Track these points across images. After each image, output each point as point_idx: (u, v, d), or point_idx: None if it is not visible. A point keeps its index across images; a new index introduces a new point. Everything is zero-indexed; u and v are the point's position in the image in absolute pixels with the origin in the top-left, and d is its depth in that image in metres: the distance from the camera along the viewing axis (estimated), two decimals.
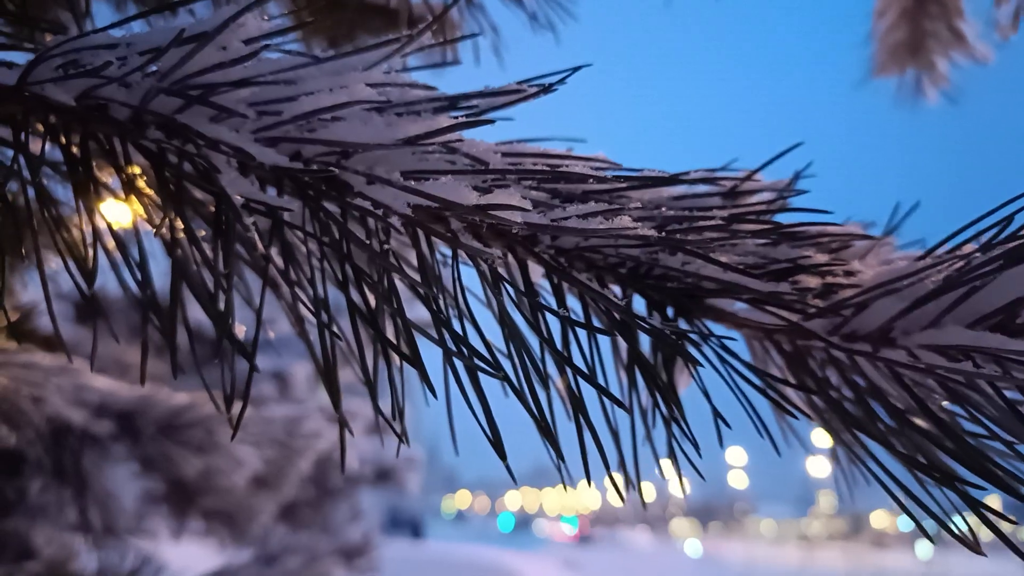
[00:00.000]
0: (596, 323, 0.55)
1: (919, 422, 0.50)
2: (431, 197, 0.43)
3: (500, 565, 11.62)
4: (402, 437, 0.51)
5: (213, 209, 0.54)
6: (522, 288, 0.56)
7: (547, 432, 0.49)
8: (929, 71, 1.70)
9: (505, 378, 0.49)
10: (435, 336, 0.47)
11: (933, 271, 0.48)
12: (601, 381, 0.57)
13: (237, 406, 0.59)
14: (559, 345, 0.56)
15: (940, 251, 0.51)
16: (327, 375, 0.49)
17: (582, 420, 0.48)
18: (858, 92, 1.73)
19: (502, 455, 0.48)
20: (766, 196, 0.55)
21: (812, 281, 0.49)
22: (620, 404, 0.49)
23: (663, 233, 0.45)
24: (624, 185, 0.48)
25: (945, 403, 0.51)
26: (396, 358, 0.57)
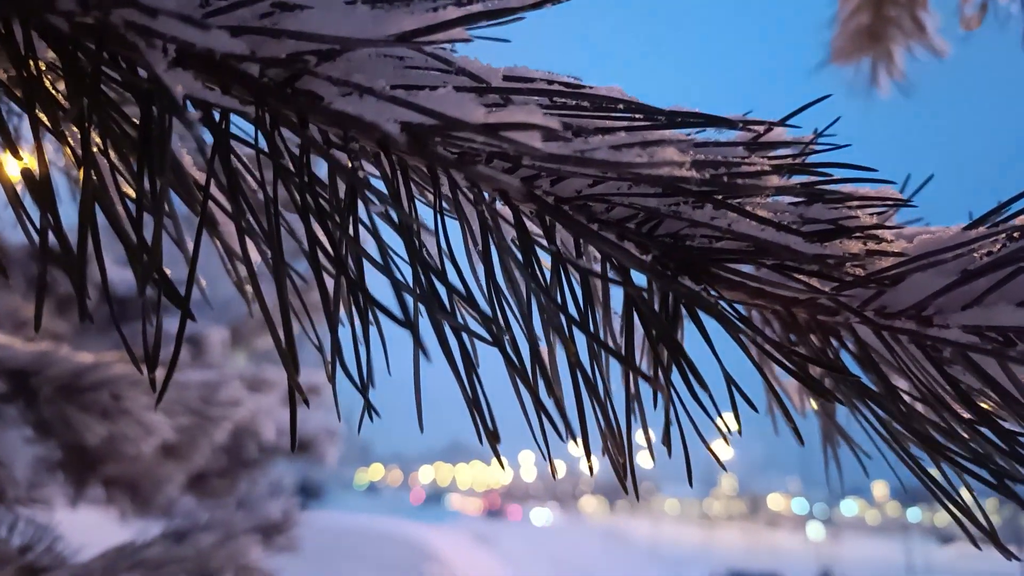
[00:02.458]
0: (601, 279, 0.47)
1: (956, 411, 0.44)
2: (428, 112, 0.35)
3: (408, 537, 11.59)
4: (372, 410, 0.43)
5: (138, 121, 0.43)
6: (515, 240, 0.47)
7: (540, 405, 0.42)
8: (886, 61, 1.69)
9: (497, 339, 0.41)
10: (412, 281, 0.39)
11: (986, 243, 0.43)
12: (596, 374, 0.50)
13: (159, 373, 0.49)
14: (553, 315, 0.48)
15: (984, 225, 0.46)
16: (284, 322, 0.40)
17: (580, 378, 0.41)
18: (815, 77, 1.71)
19: (489, 429, 0.40)
20: (790, 151, 0.49)
21: (854, 246, 0.42)
22: (616, 355, 0.42)
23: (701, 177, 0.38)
24: (658, 121, 0.40)
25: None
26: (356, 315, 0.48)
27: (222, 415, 1.68)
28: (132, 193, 0.46)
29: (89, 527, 1.97)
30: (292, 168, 0.41)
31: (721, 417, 0.48)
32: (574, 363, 0.41)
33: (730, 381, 0.45)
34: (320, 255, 0.42)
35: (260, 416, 2.78)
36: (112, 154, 0.46)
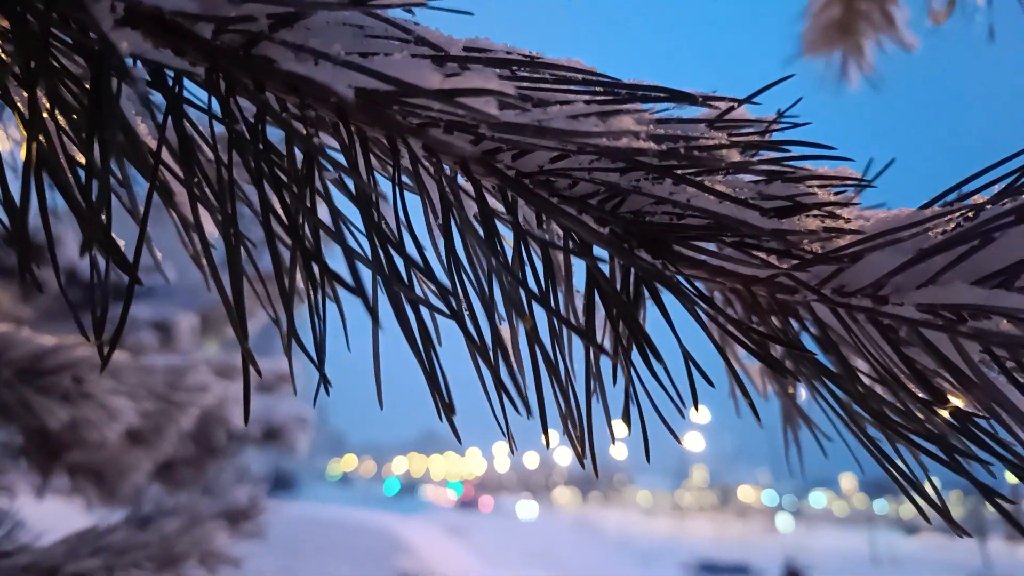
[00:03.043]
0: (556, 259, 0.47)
1: (911, 389, 0.45)
2: (383, 77, 0.34)
3: (380, 528, 11.57)
4: (326, 383, 0.42)
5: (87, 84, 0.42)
6: (477, 215, 0.47)
7: (500, 384, 0.41)
8: (856, 54, 1.71)
9: (456, 314, 0.41)
10: (369, 252, 0.38)
11: (943, 221, 0.43)
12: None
13: (114, 352, 0.47)
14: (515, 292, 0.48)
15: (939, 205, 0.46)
16: (235, 297, 0.39)
17: (539, 354, 0.40)
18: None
19: (445, 402, 0.39)
20: (751, 129, 0.49)
21: (812, 224, 0.42)
22: (575, 328, 0.41)
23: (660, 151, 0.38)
24: (619, 94, 0.40)
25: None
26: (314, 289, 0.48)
27: (188, 401, 1.66)
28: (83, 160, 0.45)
29: (53, 516, 1.94)
30: (247, 135, 0.40)
31: (686, 399, 0.48)
32: (532, 337, 0.41)
33: (688, 357, 0.45)
34: (275, 226, 0.41)
35: (229, 403, 2.75)
36: (61, 119, 0.45)
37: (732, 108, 0.49)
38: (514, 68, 0.39)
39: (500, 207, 0.49)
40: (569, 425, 0.46)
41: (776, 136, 0.48)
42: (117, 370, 1.43)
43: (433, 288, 0.41)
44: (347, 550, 10.36)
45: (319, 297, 0.43)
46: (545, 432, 0.44)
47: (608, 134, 0.34)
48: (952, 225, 0.43)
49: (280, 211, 0.41)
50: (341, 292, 0.54)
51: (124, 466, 2.14)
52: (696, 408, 0.44)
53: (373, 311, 0.33)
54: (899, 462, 0.48)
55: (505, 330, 0.52)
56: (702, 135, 0.40)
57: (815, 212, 0.42)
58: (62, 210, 0.46)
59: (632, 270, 0.48)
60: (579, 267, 0.55)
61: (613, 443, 0.56)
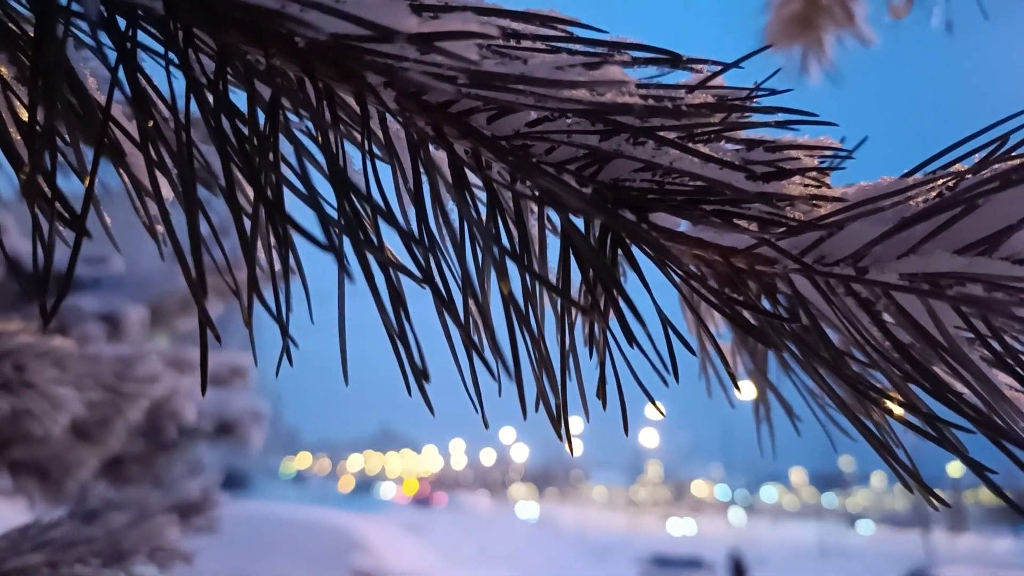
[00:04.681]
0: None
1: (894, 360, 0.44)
2: (358, 20, 0.32)
3: (335, 526, 11.44)
4: (289, 354, 0.40)
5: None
6: (448, 178, 0.45)
7: (473, 345, 0.39)
8: (816, 49, 1.72)
9: (427, 278, 0.39)
10: (333, 213, 0.36)
11: (924, 190, 0.42)
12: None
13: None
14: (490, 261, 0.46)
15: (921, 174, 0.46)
16: (194, 257, 0.36)
17: (514, 314, 0.39)
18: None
19: (417, 368, 0.37)
20: (734, 96, 0.48)
21: (795, 189, 0.42)
22: (551, 286, 0.40)
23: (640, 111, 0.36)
24: (600, 52, 0.38)
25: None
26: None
27: (138, 391, 1.60)
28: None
29: None
30: (206, 85, 0.37)
31: (660, 357, 0.47)
32: (507, 297, 0.39)
33: (665, 322, 0.43)
34: (236, 185, 0.39)
35: (180, 396, 2.68)
36: (4, 71, 0.42)
37: (717, 73, 0.47)
38: (494, 17, 0.37)
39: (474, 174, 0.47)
40: (547, 390, 0.45)
41: (756, 105, 0.47)
42: (61, 359, 1.37)
43: (402, 243, 0.39)
44: (302, 549, 10.22)
45: (282, 255, 0.41)
46: (522, 400, 0.42)
47: (596, 84, 0.32)
48: (934, 194, 0.43)
49: (240, 171, 0.39)
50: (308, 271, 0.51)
51: (69, 462, 2.06)
52: (676, 377, 0.42)
53: (348, 271, 0.31)
54: (877, 433, 0.47)
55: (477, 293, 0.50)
56: (686, 95, 0.39)
57: (798, 178, 0.41)
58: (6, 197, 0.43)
59: (608, 236, 0.46)
60: (552, 248, 0.53)
61: (587, 421, 0.54)
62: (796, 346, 0.45)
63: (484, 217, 0.46)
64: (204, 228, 0.44)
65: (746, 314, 0.45)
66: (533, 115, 0.46)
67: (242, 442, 3.15)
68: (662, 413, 0.45)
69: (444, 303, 0.39)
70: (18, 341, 1.30)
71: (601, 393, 0.48)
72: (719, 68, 0.45)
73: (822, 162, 0.46)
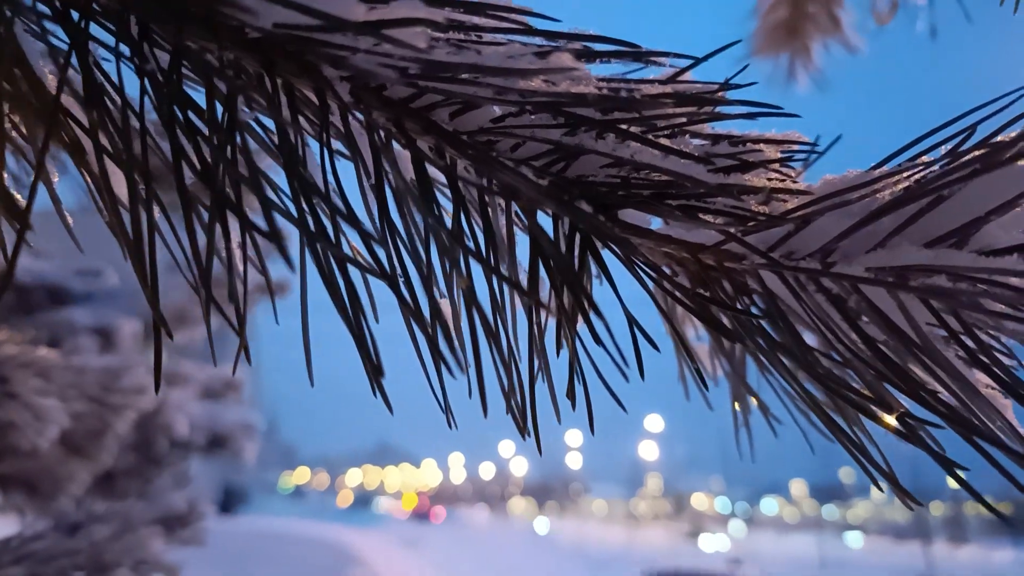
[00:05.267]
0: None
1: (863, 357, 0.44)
2: (307, 10, 0.31)
3: (332, 541, 11.38)
4: (246, 351, 0.39)
5: None
6: (410, 176, 0.44)
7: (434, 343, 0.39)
8: (803, 56, 1.73)
9: (384, 274, 0.38)
10: (291, 203, 0.35)
11: (891, 182, 0.42)
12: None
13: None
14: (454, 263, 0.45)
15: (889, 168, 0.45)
16: (146, 256, 0.36)
17: (476, 315, 0.38)
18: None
19: (378, 371, 0.36)
20: (698, 90, 0.47)
21: (759, 182, 0.41)
22: (518, 287, 0.39)
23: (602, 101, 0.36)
24: (558, 44, 0.37)
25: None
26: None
27: (124, 403, 1.59)
28: None
29: None
30: (161, 78, 0.37)
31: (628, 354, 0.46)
32: (469, 297, 0.39)
33: (631, 322, 0.43)
34: (190, 180, 0.38)
35: (172, 410, 2.66)
36: None
37: (686, 69, 0.47)
38: (445, 8, 0.37)
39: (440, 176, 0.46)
40: (512, 398, 0.44)
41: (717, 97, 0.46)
42: (46, 370, 1.36)
43: (362, 243, 0.39)
44: (298, 564, 10.15)
45: (244, 254, 0.40)
46: (483, 398, 0.42)
47: (546, 71, 0.32)
48: (901, 187, 0.42)
49: (191, 167, 0.38)
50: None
51: (60, 477, 2.04)
52: (642, 375, 0.42)
53: (289, 260, 0.30)
54: (849, 432, 0.46)
55: (445, 304, 0.49)
56: (645, 85, 0.38)
57: (762, 170, 0.41)
58: None
59: (577, 237, 0.46)
60: (524, 245, 0.53)
61: (559, 422, 0.53)
62: (764, 342, 0.45)
63: (451, 214, 0.45)
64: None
65: (716, 312, 0.45)
66: (497, 111, 0.46)
67: (235, 455, 3.12)
68: (624, 409, 0.45)
69: (403, 300, 0.38)
70: (1, 352, 1.29)
71: (570, 394, 0.47)
72: (689, 64, 0.45)
73: (790, 157, 0.45)
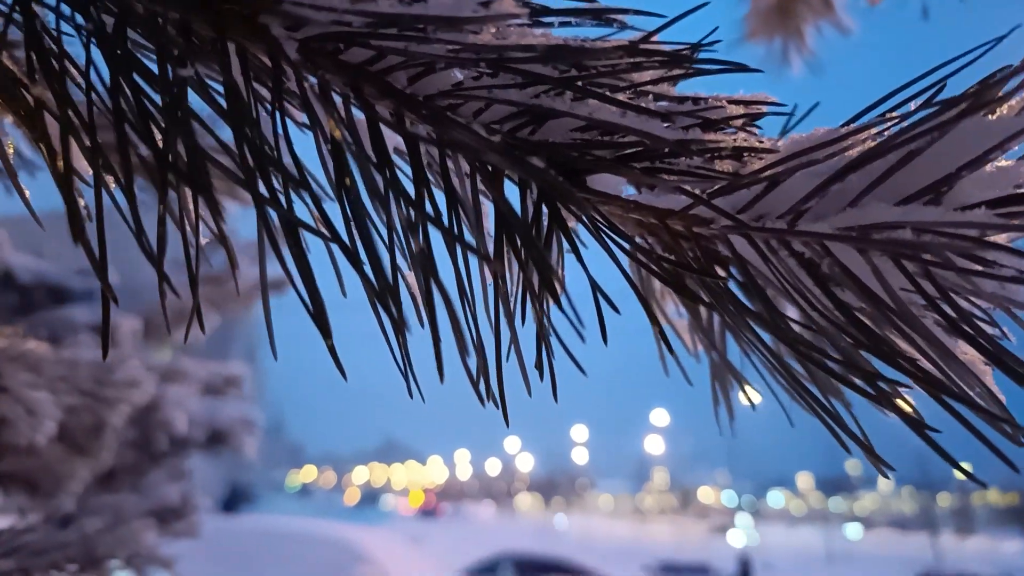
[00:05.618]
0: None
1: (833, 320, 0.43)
2: None
3: (340, 539, 11.41)
4: (199, 317, 0.38)
5: None
6: (370, 146, 0.44)
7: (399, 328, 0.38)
8: (796, 39, 1.71)
9: (336, 238, 0.37)
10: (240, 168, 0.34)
11: (860, 139, 0.41)
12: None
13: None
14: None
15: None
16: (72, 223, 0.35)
17: (433, 285, 0.37)
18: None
19: (326, 332, 0.36)
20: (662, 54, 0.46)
21: (722, 140, 0.40)
22: (479, 253, 0.38)
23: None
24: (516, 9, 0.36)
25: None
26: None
27: (118, 396, 1.58)
28: None
29: None
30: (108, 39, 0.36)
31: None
32: (426, 264, 0.38)
33: (595, 287, 0.42)
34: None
35: (171, 406, 2.66)
36: None
37: (657, 31, 0.46)
38: None
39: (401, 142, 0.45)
40: (466, 357, 0.43)
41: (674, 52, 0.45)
42: (36, 363, 1.36)
43: (313, 206, 0.38)
44: (306, 562, 10.18)
45: (195, 226, 0.39)
46: (439, 361, 0.41)
47: (489, 18, 0.31)
48: (870, 143, 0.41)
49: (135, 129, 0.37)
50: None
51: (61, 475, 2.04)
52: (604, 339, 0.41)
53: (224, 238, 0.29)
54: (824, 401, 0.45)
55: (411, 276, 0.48)
56: (603, 43, 0.38)
57: (728, 131, 0.40)
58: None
59: (543, 207, 0.45)
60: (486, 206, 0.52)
61: (529, 395, 0.52)
62: (734, 308, 0.44)
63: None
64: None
65: (682, 277, 0.44)
66: (459, 76, 0.45)
67: (234, 451, 3.12)
68: (583, 372, 0.44)
69: (356, 264, 0.37)
70: None
71: (539, 365, 0.47)
72: (660, 25, 0.44)
73: (758, 116, 0.44)
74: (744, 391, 0.61)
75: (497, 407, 0.44)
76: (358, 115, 0.46)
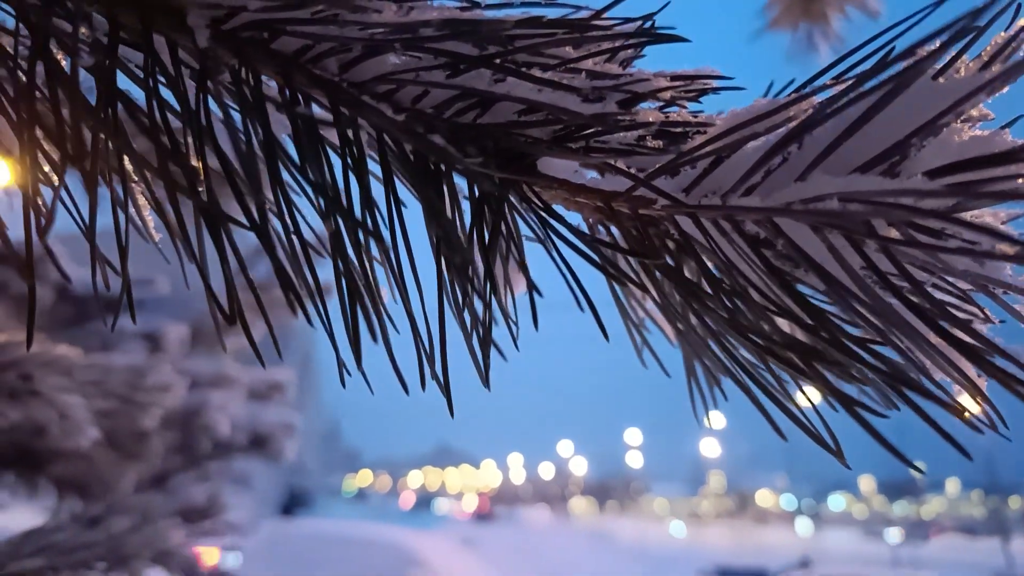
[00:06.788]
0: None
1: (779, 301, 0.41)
2: None
3: (394, 543, 11.52)
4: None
5: None
6: (305, 135, 0.43)
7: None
8: (822, 25, 1.66)
9: (256, 229, 0.37)
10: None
11: (802, 108, 0.39)
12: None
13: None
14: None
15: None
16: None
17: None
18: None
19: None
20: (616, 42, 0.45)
21: (650, 115, 0.38)
22: (371, 234, 0.37)
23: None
24: None
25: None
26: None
27: (150, 400, 1.62)
28: None
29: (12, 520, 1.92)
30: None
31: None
32: (335, 245, 0.37)
33: (523, 268, 0.41)
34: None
35: (214, 411, 2.72)
36: None
37: (609, 7, 0.44)
38: None
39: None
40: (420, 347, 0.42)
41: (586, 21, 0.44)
42: (68, 367, 1.40)
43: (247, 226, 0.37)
44: (360, 566, 10.30)
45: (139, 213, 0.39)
46: (357, 351, 0.40)
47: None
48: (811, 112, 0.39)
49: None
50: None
51: (110, 479, 2.10)
52: (535, 326, 0.40)
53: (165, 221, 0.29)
54: (777, 387, 0.43)
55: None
56: (517, 20, 0.36)
57: (654, 104, 0.38)
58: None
59: (474, 191, 0.44)
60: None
61: (505, 359, 0.51)
62: (679, 290, 0.42)
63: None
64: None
65: (613, 257, 0.42)
66: (395, 61, 0.44)
67: (276, 454, 3.17)
68: (515, 343, 0.43)
69: (288, 256, 0.37)
70: (23, 351, 1.33)
71: (484, 350, 0.46)
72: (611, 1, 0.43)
73: (702, 92, 0.42)
74: (716, 381, 0.59)
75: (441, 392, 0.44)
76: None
